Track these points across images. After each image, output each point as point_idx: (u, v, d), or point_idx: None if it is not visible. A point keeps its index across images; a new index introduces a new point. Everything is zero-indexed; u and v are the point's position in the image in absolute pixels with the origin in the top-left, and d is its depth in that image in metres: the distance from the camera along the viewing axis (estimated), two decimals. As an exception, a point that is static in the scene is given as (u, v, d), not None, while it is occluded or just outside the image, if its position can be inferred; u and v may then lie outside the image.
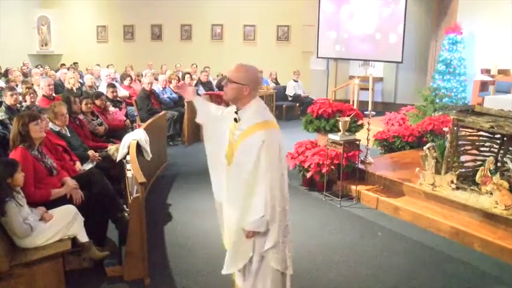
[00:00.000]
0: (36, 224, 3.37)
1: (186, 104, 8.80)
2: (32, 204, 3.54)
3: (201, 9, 15.13)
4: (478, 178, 4.97)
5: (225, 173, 2.81)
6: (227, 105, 3.04)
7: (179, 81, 10.01)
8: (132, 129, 6.78)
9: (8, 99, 5.57)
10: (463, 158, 5.56)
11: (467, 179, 5.22)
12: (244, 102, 2.74)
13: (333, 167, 5.73)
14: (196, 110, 3.08)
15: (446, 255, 4.25)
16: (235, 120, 2.75)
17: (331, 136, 5.65)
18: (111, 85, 8.20)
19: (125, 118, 7.38)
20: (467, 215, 4.75)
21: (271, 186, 2.58)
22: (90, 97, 6.55)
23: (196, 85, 10.67)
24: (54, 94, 6.99)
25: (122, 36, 16.45)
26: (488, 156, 5.19)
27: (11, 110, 5.51)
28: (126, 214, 4.01)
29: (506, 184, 4.59)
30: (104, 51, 16.15)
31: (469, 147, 5.43)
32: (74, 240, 3.54)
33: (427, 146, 5.46)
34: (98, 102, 6.64)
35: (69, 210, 3.57)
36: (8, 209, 3.21)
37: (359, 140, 5.73)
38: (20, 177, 3.37)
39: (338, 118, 5.79)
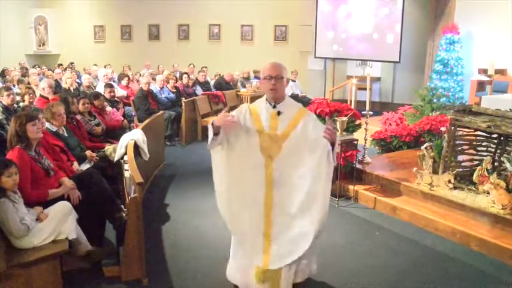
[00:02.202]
0: (33, 224, 3.36)
1: (183, 104, 8.81)
2: (29, 204, 3.53)
3: (199, 9, 15.13)
4: (475, 178, 4.98)
5: (264, 168, 3.06)
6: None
7: (177, 81, 10.01)
8: (130, 129, 6.77)
9: (5, 99, 5.56)
10: (460, 158, 5.58)
11: (464, 179, 5.23)
12: (284, 96, 3.14)
13: (330, 167, 5.72)
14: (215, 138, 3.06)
15: (444, 255, 4.26)
16: (278, 113, 3.08)
17: (329, 136, 5.64)
18: (108, 85, 8.18)
19: (122, 118, 7.36)
20: (465, 214, 4.76)
21: None
22: (87, 97, 6.53)
23: (193, 85, 10.67)
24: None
25: (120, 36, 16.44)
26: (485, 155, 5.20)
27: (7, 110, 5.50)
28: (123, 214, 4.00)
29: (503, 183, 4.60)
30: (102, 51, 16.14)
31: (467, 147, 5.44)
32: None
33: (425, 145, 5.48)
34: (96, 102, 6.62)
35: (64, 205, 3.55)
36: (4, 208, 3.20)
37: (357, 140, 5.74)
38: (8, 180, 3.27)
39: (336, 118, 5.79)
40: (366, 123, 6.15)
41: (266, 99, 3.14)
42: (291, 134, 3.05)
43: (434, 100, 8.73)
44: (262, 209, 3.09)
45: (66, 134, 4.99)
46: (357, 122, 6.20)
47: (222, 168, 3.13)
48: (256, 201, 3.09)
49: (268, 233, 3.10)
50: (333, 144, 2.94)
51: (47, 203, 3.65)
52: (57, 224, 3.41)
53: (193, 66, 13.12)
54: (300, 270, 3.20)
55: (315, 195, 3.01)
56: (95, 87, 9.40)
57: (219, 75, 12.49)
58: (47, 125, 4.70)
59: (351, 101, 7.89)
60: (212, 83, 11.81)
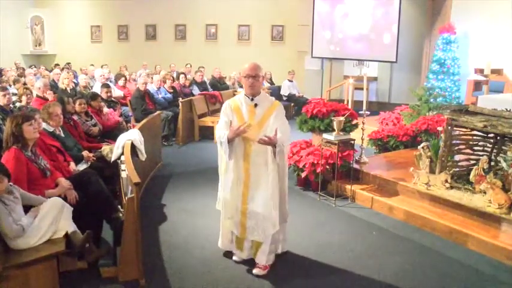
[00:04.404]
0: (29, 225, 3.34)
1: (180, 104, 8.80)
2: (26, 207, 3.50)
3: (196, 9, 15.13)
4: (471, 177, 4.99)
5: (244, 151, 3.69)
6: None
7: (173, 81, 10.00)
8: (127, 129, 6.75)
9: (1, 100, 5.54)
10: (457, 157, 5.59)
11: (461, 178, 5.24)
12: (260, 91, 3.80)
13: (327, 167, 5.74)
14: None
15: (441, 254, 4.27)
16: (255, 105, 3.72)
17: (326, 136, 5.66)
18: (105, 85, 8.16)
19: (119, 119, 7.34)
20: (461, 214, 4.78)
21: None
22: (84, 98, 6.51)
23: (190, 85, 10.66)
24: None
25: (116, 36, 16.40)
26: (481, 155, 5.22)
27: (3, 111, 5.48)
28: (120, 214, 3.99)
29: (499, 183, 4.62)
30: (98, 51, 16.09)
31: (463, 147, 5.46)
32: (67, 241, 3.51)
33: (422, 145, 5.48)
34: (94, 103, 6.58)
35: (55, 201, 3.51)
36: None
37: (353, 140, 5.74)
38: None
39: (332, 118, 5.80)
40: (363, 123, 6.16)
41: (245, 94, 3.78)
42: (266, 123, 3.69)
43: (431, 100, 8.77)
44: (242, 187, 3.72)
45: (62, 134, 4.98)
46: (354, 121, 6.20)
47: (220, 157, 3.88)
48: (239, 180, 3.72)
49: (245, 211, 3.72)
50: (274, 146, 3.55)
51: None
52: (52, 222, 3.37)
53: (190, 66, 13.12)
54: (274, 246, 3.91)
55: (274, 179, 3.68)
56: (91, 87, 9.37)
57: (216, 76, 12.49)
58: (44, 125, 4.68)
59: (347, 101, 7.92)
60: (209, 82, 11.81)
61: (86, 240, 3.54)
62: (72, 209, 3.59)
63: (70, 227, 3.49)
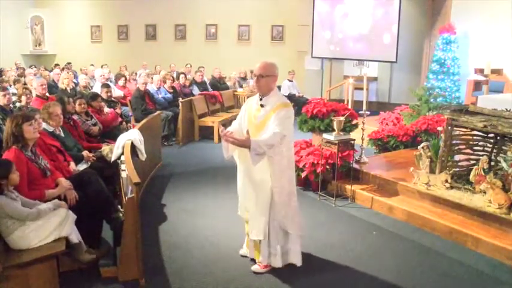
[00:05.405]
0: (47, 212, 3.39)
1: (180, 104, 8.80)
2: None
3: (196, 9, 15.13)
4: (471, 177, 5.00)
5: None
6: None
7: (173, 81, 10.00)
8: (127, 129, 6.75)
9: (1, 100, 5.54)
10: (457, 157, 5.60)
11: (461, 178, 5.25)
12: (269, 92, 3.65)
13: (327, 167, 5.74)
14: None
15: (441, 254, 4.26)
16: (262, 106, 3.64)
17: (326, 136, 5.66)
18: (105, 85, 8.16)
19: (119, 118, 7.35)
20: (461, 213, 4.78)
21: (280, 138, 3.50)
22: (84, 98, 6.51)
23: (190, 85, 10.66)
24: (48, 94, 6.96)
25: (116, 36, 16.40)
26: (481, 155, 5.22)
27: (3, 111, 5.48)
28: (120, 214, 3.99)
29: (499, 183, 4.62)
30: (98, 51, 16.09)
31: (463, 147, 5.46)
32: (68, 241, 3.51)
33: (422, 145, 5.48)
34: (94, 104, 6.57)
35: (60, 211, 3.52)
36: (3, 203, 3.20)
37: (353, 140, 5.74)
38: (15, 177, 3.36)
39: (332, 118, 5.80)
40: (363, 123, 6.16)
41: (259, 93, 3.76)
42: (266, 124, 3.60)
43: (431, 100, 8.77)
44: (244, 186, 3.78)
45: (62, 134, 4.98)
46: (354, 121, 6.20)
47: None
48: (242, 179, 3.81)
49: (245, 209, 3.82)
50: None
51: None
52: (55, 228, 3.38)
53: (190, 66, 13.11)
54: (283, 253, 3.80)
55: (264, 186, 3.63)
56: (91, 87, 9.37)
57: (216, 77, 12.49)
58: (44, 125, 4.68)
59: (347, 101, 7.91)
60: (209, 82, 11.81)
61: (90, 259, 3.61)
62: (75, 216, 3.60)
63: (73, 237, 3.51)
